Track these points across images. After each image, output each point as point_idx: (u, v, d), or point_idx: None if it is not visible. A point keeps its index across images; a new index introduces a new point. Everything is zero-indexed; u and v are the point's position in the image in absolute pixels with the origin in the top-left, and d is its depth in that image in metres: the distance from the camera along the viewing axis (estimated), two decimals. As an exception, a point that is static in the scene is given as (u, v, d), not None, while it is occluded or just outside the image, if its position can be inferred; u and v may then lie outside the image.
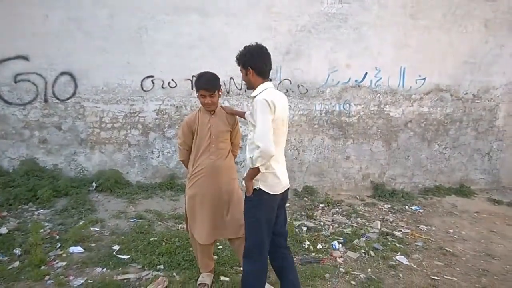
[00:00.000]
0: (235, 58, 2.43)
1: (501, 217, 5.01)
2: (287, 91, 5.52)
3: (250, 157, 2.27)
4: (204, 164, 2.78)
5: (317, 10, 5.37)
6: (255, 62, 2.35)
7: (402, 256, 3.65)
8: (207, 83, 2.69)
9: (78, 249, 3.47)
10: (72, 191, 4.91)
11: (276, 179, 2.37)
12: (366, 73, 5.61)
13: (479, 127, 5.96)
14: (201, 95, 2.72)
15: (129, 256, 3.35)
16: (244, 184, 2.38)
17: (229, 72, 5.35)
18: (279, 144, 2.36)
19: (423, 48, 5.62)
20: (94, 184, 5.16)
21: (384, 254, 3.65)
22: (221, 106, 2.92)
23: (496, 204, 5.57)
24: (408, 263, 3.53)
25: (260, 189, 2.34)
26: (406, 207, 5.29)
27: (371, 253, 3.68)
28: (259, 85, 2.38)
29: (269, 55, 2.41)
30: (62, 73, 5.19)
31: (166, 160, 5.51)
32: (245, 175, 2.40)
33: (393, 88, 5.70)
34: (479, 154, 6.01)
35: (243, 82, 5.30)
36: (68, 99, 5.25)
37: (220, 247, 3.63)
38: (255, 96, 2.33)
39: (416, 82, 5.73)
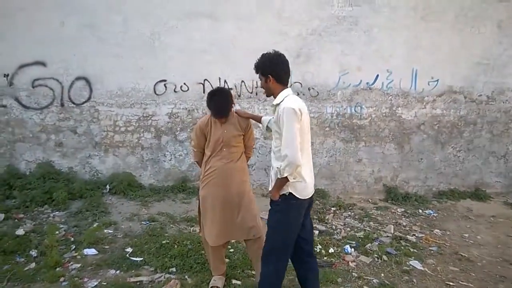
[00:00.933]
0: (254, 66, 2.45)
1: (518, 222, 4.89)
2: (298, 94, 5.52)
3: (277, 167, 2.27)
4: (215, 167, 2.82)
5: (327, 14, 5.36)
6: (275, 69, 2.37)
7: (416, 261, 3.59)
8: (218, 114, 2.77)
9: (92, 251, 3.53)
10: (86, 193, 5.00)
11: (304, 183, 2.36)
12: (378, 76, 5.57)
13: (494, 130, 5.84)
14: (214, 115, 2.82)
15: (141, 259, 3.39)
16: (271, 193, 2.38)
17: (240, 75, 5.39)
18: (305, 150, 2.36)
19: (435, 49, 5.55)
20: (107, 186, 5.25)
21: (397, 259, 3.61)
22: (234, 111, 2.95)
23: (512, 208, 5.44)
24: (422, 268, 3.48)
25: (289, 193, 2.33)
26: (420, 211, 5.21)
27: (384, 257, 3.64)
28: (279, 92, 2.39)
29: (287, 62, 2.43)
30: (78, 78, 5.31)
31: (178, 163, 5.56)
32: (271, 185, 2.41)
33: (405, 90, 5.64)
34: (494, 156, 5.89)
35: (256, 86, 5.52)
36: (83, 103, 5.36)
37: (231, 250, 3.64)
38: (278, 104, 2.35)
39: (428, 84, 5.65)
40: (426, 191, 5.83)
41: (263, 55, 2.43)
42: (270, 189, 2.46)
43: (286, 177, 2.25)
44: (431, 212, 5.17)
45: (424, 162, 5.80)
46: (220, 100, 2.76)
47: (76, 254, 3.49)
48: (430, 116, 5.72)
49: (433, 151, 5.80)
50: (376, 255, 3.68)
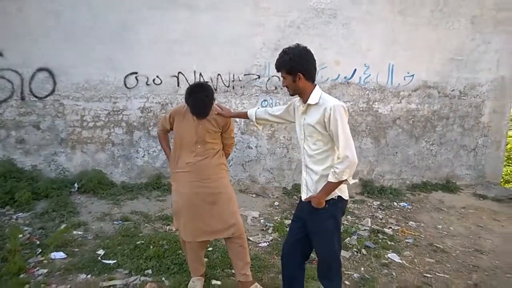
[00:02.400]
0: (276, 64, 2.19)
1: (487, 212, 5.07)
2: (276, 88, 5.43)
3: (333, 171, 2.07)
4: (188, 162, 2.66)
5: (306, 5, 5.28)
6: (306, 66, 2.15)
7: (394, 254, 3.62)
8: (196, 114, 2.58)
9: (60, 255, 3.30)
10: (52, 193, 4.69)
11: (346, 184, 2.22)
12: (355, 70, 5.58)
13: (465, 124, 6.02)
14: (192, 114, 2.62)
15: (115, 261, 3.19)
16: (316, 199, 2.17)
17: (216, 68, 5.23)
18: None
19: (411, 44, 5.62)
20: (76, 185, 4.95)
21: (376, 252, 3.62)
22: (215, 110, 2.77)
23: (481, 199, 5.64)
24: (400, 261, 3.51)
25: (338, 196, 2.19)
26: (395, 203, 5.30)
27: (363, 251, 3.64)
28: (312, 91, 2.18)
29: (314, 56, 2.22)
30: (39, 70, 4.95)
31: (151, 160, 5.34)
32: (308, 191, 2.24)
33: (382, 85, 5.69)
34: (465, 150, 6.08)
35: (233, 80, 5.37)
36: (46, 96, 5.02)
37: (210, 249, 3.51)
38: (316, 103, 2.16)
39: (404, 79, 5.73)
40: (401, 184, 5.95)
41: (286, 51, 2.16)
42: (305, 196, 2.26)
43: (342, 180, 2.08)
44: (406, 204, 5.26)
45: (399, 156, 5.90)
46: (200, 99, 2.51)
47: (43, 258, 3.23)
48: (405, 111, 5.81)
49: (407, 145, 5.90)
50: (355, 249, 3.68)
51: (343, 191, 2.23)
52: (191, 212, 2.66)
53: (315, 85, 2.23)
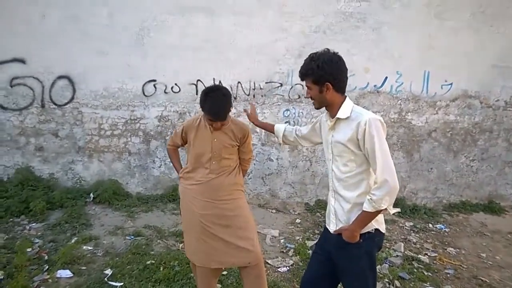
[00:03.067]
0: (301, 72, 1.91)
1: (538, 239, 4.48)
2: (299, 97, 5.10)
3: (369, 198, 1.74)
4: (201, 180, 2.40)
5: (333, 9, 4.94)
6: (335, 75, 1.84)
7: (432, 288, 3.18)
8: (214, 117, 2.29)
9: (66, 273, 3.11)
10: (67, 203, 4.57)
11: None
12: (386, 78, 5.15)
13: (511, 138, 5.42)
14: (208, 119, 2.34)
15: (121, 284, 2.96)
16: (349, 233, 1.83)
17: (236, 75, 4.97)
18: None
19: (449, 50, 5.13)
20: (91, 195, 4.82)
21: (411, 285, 3.19)
22: (244, 110, 2.54)
23: (530, 222, 5.03)
24: (440, 298, 3.07)
25: (376, 230, 1.86)
26: (430, 225, 4.80)
27: (397, 283, 3.22)
28: (342, 103, 1.88)
29: (345, 64, 1.91)
30: (60, 77, 4.88)
31: (168, 170, 5.13)
32: (349, 220, 1.86)
33: (416, 94, 5.23)
34: (510, 167, 5.48)
35: (254, 88, 5.11)
36: (65, 104, 4.94)
37: (225, 273, 3.21)
38: (347, 118, 1.85)
39: (441, 88, 5.24)
40: (436, 204, 5.42)
41: (313, 57, 1.86)
42: (334, 227, 1.93)
43: (380, 209, 1.73)
44: (442, 226, 4.76)
45: (435, 172, 5.39)
46: (217, 100, 2.24)
47: (48, 276, 3.05)
48: (442, 123, 5.30)
49: (444, 160, 5.38)
50: (387, 280, 3.26)
51: (380, 223, 1.88)
52: (200, 235, 2.38)
53: (345, 97, 1.91)
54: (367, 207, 1.74)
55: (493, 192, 5.49)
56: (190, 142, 2.46)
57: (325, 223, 2.10)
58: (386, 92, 5.19)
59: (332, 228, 1.95)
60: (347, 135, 1.83)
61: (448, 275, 3.48)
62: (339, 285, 2.06)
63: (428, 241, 4.31)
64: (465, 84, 5.23)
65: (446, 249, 4.11)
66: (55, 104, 4.92)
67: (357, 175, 1.85)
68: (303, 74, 1.91)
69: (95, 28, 4.75)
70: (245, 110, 2.47)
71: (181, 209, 2.56)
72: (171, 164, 5.01)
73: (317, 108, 2.00)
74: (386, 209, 1.74)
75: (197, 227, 2.39)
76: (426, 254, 3.93)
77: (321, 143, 2.18)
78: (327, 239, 2.03)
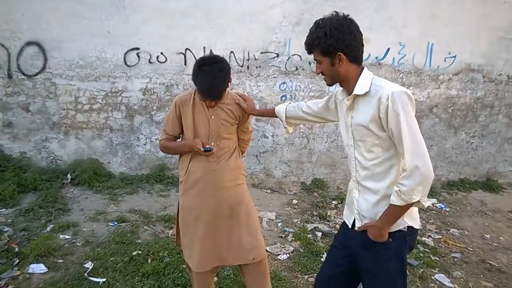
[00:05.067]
0: (307, 43, 1.57)
1: (538, 217, 4.39)
2: (297, 68, 4.72)
3: (398, 189, 1.42)
4: (200, 169, 2.04)
5: (334, -28, 4.49)
6: (348, 41, 1.50)
7: (442, 275, 2.99)
8: (207, 95, 1.91)
9: (40, 268, 2.76)
10: (41, 185, 4.16)
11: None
12: (389, 49, 4.81)
13: (512, 114, 5.25)
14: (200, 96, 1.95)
15: (104, 280, 2.63)
16: (376, 230, 1.52)
17: (229, 45, 4.53)
18: None
19: (454, 21, 4.80)
20: (69, 176, 4.40)
21: (420, 272, 2.99)
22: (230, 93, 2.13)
23: (528, 200, 4.94)
24: (452, 285, 2.88)
25: (409, 227, 1.55)
26: (430, 204, 4.64)
27: (405, 270, 3.02)
28: (359, 75, 1.55)
29: (359, 28, 1.55)
30: (29, 43, 4.33)
31: (154, 148, 4.73)
32: (377, 216, 1.54)
33: (419, 67, 4.92)
34: (510, 143, 5.33)
35: (248, 58, 4.66)
36: (36, 74, 4.43)
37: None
38: (366, 93, 1.51)
39: (444, 61, 4.94)
40: (435, 181, 5.23)
41: (319, 24, 1.53)
42: (359, 223, 1.62)
43: (412, 202, 1.42)
44: (443, 206, 4.58)
45: (435, 149, 5.18)
46: (212, 77, 1.84)
47: (19, 273, 2.69)
48: (444, 98, 5.05)
49: (444, 137, 5.17)
50: (394, 267, 3.05)
51: (414, 218, 1.57)
52: (200, 232, 2.05)
53: (363, 68, 1.57)
54: (395, 200, 1.44)
55: (491, 169, 5.36)
56: (184, 122, 2.06)
57: (343, 216, 1.80)
58: (388, 64, 4.86)
59: (357, 224, 1.64)
60: (368, 115, 1.51)
61: (456, 259, 3.30)
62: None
63: (430, 221, 4.13)
64: (468, 56, 4.94)
65: (449, 230, 3.94)
66: (24, 74, 4.39)
67: (385, 162, 1.54)
68: (310, 46, 1.57)
69: (66, -14, 4.16)
70: (237, 103, 2.07)
71: (178, 205, 2.18)
72: (158, 142, 4.66)
73: (330, 85, 1.68)
74: (419, 201, 1.43)
75: (195, 226, 2.06)
76: (430, 236, 3.75)
77: (334, 121, 1.88)
78: (347, 235, 1.73)
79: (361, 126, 1.54)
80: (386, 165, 1.54)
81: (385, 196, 1.53)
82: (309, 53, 1.60)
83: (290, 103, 2.08)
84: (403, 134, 1.41)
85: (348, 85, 1.59)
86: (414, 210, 1.55)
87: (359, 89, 1.53)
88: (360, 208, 1.63)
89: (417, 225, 1.59)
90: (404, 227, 1.53)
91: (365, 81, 1.53)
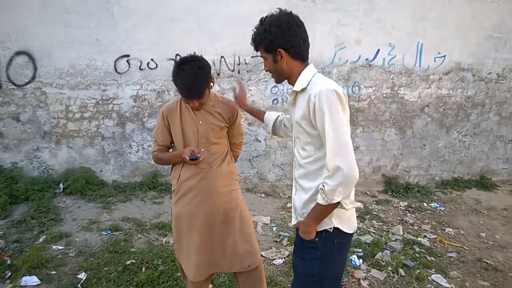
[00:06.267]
0: (252, 40, 1.58)
1: (532, 214, 4.42)
2: (288, 72, 4.71)
3: (321, 188, 1.41)
4: (191, 176, 2.02)
5: (323, -25, 4.51)
6: (288, 38, 1.49)
7: (439, 275, 2.98)
8: (187, 94, 1.88)
9: (33, 280, 2.71)
10: (34, 195, 4.10)
11: (352, 209, 1.54)
12: (379, 50, 4.83)
13: (503, 111, 5.29)
14: (182, 97, 1.95)
15: (98, 290, 2.60)
16: (303, 227, 1.54)
17: (219, 49, 4.52)
18: None
19: (443, 21, 4.85)
20: (61, 185, 4.35)
21: (417, 273, 2.99)
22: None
23: (522, 197, 4.98)
24: (448, 285, 2.88)
25: (334, 228, 1.51)
26: (425, 204, 4.65)
27: (401, 271, 3.01)
28: (301, 72, 1.55)
29: (303, 25, 1.56)
30: (18, 53, 4.29)
31: (147, 155, 4.70)
32: (297, 215, 1.60)
33: (409, 68, 4.95)
34: (502, 141, 5.37)
35: (239, 63, 4.66)
36: (26, 84, 4.39)
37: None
38: (303, 89, 1.52)
39: (434, 61, 4.98)
40: (429, 181, 5.28)
41: (263, 21, 1.54)
42: (293, 222, 1.65)
43: (333, 203, 1.41)
44: (437, 205, 4.61)
45: (427, 149, 5.21)
46: (191, 74, 1.82)
47: (11, 286, 2.64)
48: (435, 97, 5.08)
49: (437, 136, 5.20)
50: (390, 269, 3.04)
51: (343, 221, 1.52)
52: (195, 240, 2.03)
53: (307, 64, 1.56)
54: (320, 199, 1.43)
55: (484, 167, 5.40)
56: (175, 131, 2.05)
57: None
58: (378, 65, 4.89)
59: (292, 222, 1.68)
60: (302, 111, 1.51)
61: (452, 259, 3.31)
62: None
63: (425, 221, 4.14)
64: (458, 56, 4.99)
65: (444, 229, 3.95)
66: (14, 84, 4.35)
67: (318, 161, 1.52)
68: (254, 43, 1.58)
69: (55, -5, 4.14)
70: (234, 90, 2.08)
71: (172, 214, 2.16)
72: (150, 148, 4.63)
73: (278, 82, 1.69)
74: (340, 203, 1.41)
75: (190, 234, 2.04)
76: (426, 236, 3.76)
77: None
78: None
79: (296, 122, 1.56)
80: (318, 164, 1.52)
81: (315, 195, 1.50)
82: (256, 50, 1.61)
83: (282, 114, 2.06)
84: (327, 133, 1.40)
85: (292, 82, 1.59)
86: (346, 213, 1.50)
87: (297, 85, 1.54)
88: (295, 206, 1.64)
89: (348, 228, 1.54)
90: (330, 228, 1.51)
91: (305, 77, 1.53)
